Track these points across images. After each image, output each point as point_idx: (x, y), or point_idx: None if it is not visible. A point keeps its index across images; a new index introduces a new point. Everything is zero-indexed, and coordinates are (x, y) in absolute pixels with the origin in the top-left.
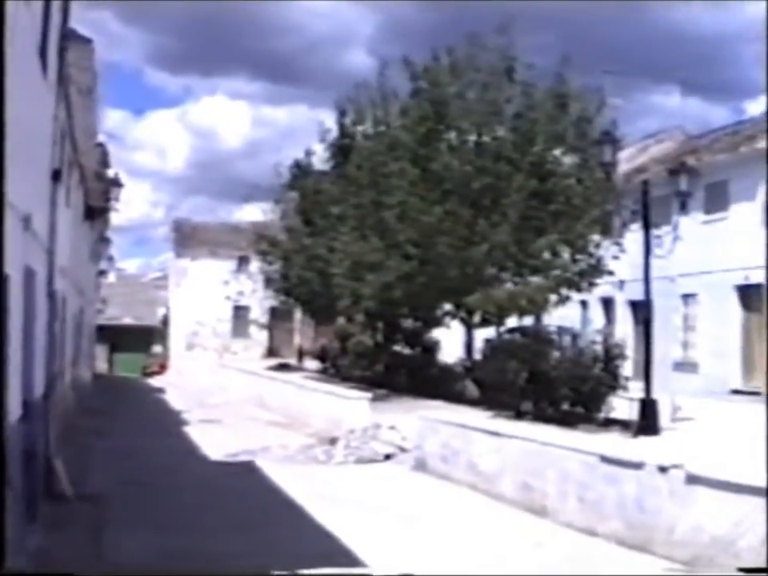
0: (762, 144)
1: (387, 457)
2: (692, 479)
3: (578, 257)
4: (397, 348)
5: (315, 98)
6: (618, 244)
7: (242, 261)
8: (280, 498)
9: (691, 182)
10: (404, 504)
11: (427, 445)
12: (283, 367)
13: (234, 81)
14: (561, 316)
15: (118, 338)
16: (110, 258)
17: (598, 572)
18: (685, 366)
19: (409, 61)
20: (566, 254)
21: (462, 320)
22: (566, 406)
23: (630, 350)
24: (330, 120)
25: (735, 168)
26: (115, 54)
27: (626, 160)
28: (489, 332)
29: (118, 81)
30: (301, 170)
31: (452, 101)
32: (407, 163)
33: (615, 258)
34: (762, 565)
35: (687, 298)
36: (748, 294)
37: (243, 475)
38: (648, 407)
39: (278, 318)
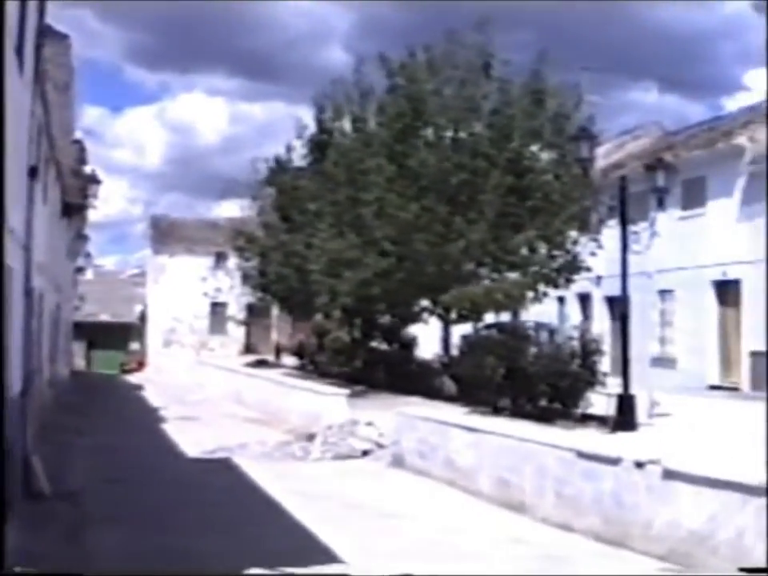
0: (738, 140)
1: (365, 453)
2: (669, 474)
3: (556, 253)
4: (374, 344)
5: (292, 95)
6: (595, 240)
7: (220, 257)
8: (257, 494)
9: (668, 178)
10: (381, 500)
11: (404, 441)
12: (261, 364)
13: (211, 77)
14: (538, 312)
15: (96, 335)
16: (88, 255)
17: (576, 567)
18: (662, 362)
19: (385, 57)
20: (543, 250)
21: (440, 316)
22: (543, 402)
23: (608, 345)
24: (307, 116)
25: (712, 164)
26: (93, 51)
27: (604, 156)
28: (466, 328)
29: (95, 77)
30: (279, 166)
31: (429, 97)
32: (384, 160)
33: (592, 254)
34: (742, 560)
35: (664, 293)
36: (725, 290)
37: (221, 472)
38: (625, 403)
39: (255, 314)
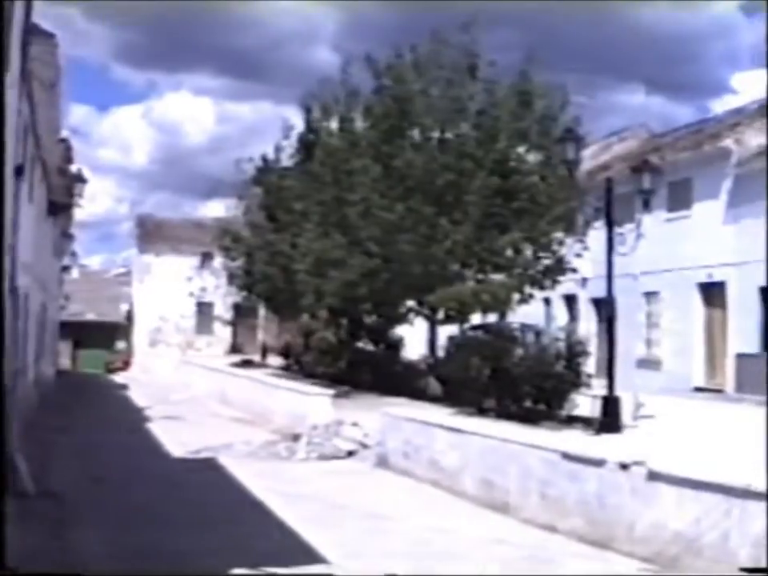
0: (725, 142)
1: (349, 453)
2: (653, 476)
3: (541, 254)
4: (360, 345)
5: (279, 95)
6: (581, 242)
7: (206, 257)
8: (242, 494)
9: (654, 180)
10: (366, 500)
11: (389, 441)
12: (247, 364)
13: (198, 77)
14: (524, 313)
15: (82, 335)
16: (74, 254)
17: (560, 568)
18: (648, 364)
19: (372, 58)
20: (528, 252)
21: (426, 317)
22: (528, 403)
23: (593, 347)
24: (294, 116)
25: (698, 166)
26: (80, 49)
27: (590, 158)
28: (452, 329)
29: (82, 76)
30: (265, 166)
31: (415, 98)
32: (370, 160)
33: (578, 255)
34: (728, 564)
35: (650, 295)
36: (711, 292)
37: (206, 472)
38: (610, 404)
39: (241, 314)
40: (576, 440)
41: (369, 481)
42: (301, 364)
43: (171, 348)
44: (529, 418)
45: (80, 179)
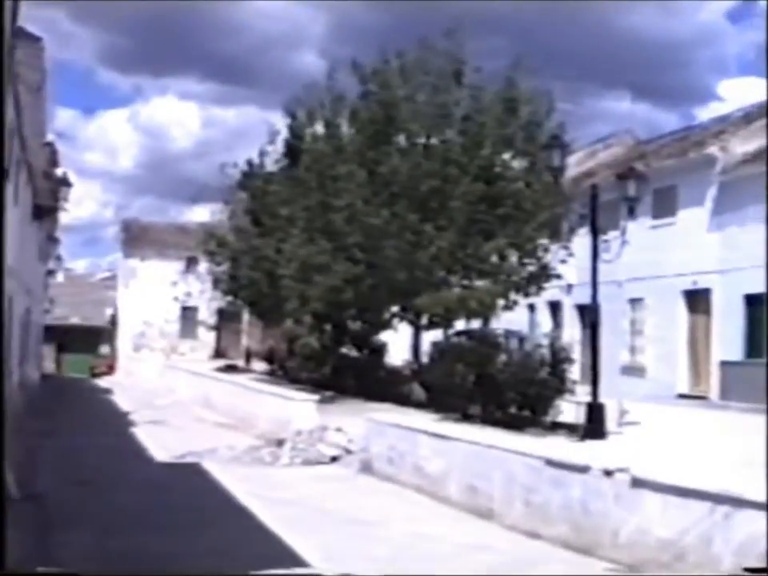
0: (710, 150)
1: (333, 459)
2: (637, 483)
3: (526, 261)
4: (344, 350)
5: (265, 99)
6: (566, 248)
7: (191, 261)
8: (226, 499)
9: (639, 187)
10: (350, 506)
11: (373, 447)
12: (231, 368)
13: (184, 81)
14: (508, 319)
15: (66, 339)
16: (59, 258)
17: (542, 574)
18: (632, 370)
19: (358, 63)
20: (513, 258)
21: (410, 322)
22: (513, 410)
23: (578, 353)
24: (280, 121)
25: (683, 174)
26: (66, 53)
27: (575, 164)
28: (436, 335)
29: (68, 79)
30: (251, 171)
31: (401, 103)
32: (355, 166)
33: (563, 262)
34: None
35: (635, 302)
36: (695, 299)
37: (190, 476)
38: (595, 411)
39: (225, 319)
40: (560, 446)
41: (353, 486)
42: (285, 369)
43: (155, 352)
44: (513, 425)
45: (65, 183)
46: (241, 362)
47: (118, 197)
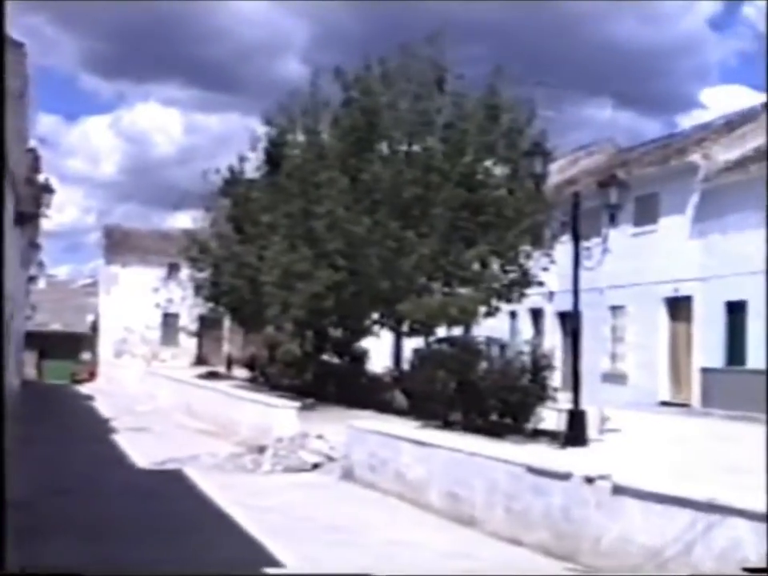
0: (692, 157)
1: (315, 466)
2: (618, 490)
3: (508, 268)
4: (325, 357)
5: (248, 106)
6: (547, 255)
7: (172, 268)
8: (207, 506)
9: (621, 194)
10: (331, 513)
11: (355, 454)
12: (212, 375)
13: (166, 88)
14: (490, 327)
15: (47, 345)
16: (41, 264)
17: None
18: (613, 378)
19: (341, 70)
20: (495, 265)
21: (392, 329)
22: (494, 417)
23: (559, 361)
24: (262, 128)
25: (665, 181)
26: (48, 59)
27: (557, 172)
28: (418, 342)
29: (50, 85)
30: (233, 178)
31: (383, 110)
32: (337, 173)
33: (545, 269)
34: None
35: (616, 309)
36: (677, 306)
37: (171, 484)
38: (576, 418)
39: (207, 325)
40: (542, 453)
41: (334, 493)
42: (266, 376)
43: (136, 359)
44: (494, 432)
45: (47, 189)
46: (222, 369)
47: (100, 203)
